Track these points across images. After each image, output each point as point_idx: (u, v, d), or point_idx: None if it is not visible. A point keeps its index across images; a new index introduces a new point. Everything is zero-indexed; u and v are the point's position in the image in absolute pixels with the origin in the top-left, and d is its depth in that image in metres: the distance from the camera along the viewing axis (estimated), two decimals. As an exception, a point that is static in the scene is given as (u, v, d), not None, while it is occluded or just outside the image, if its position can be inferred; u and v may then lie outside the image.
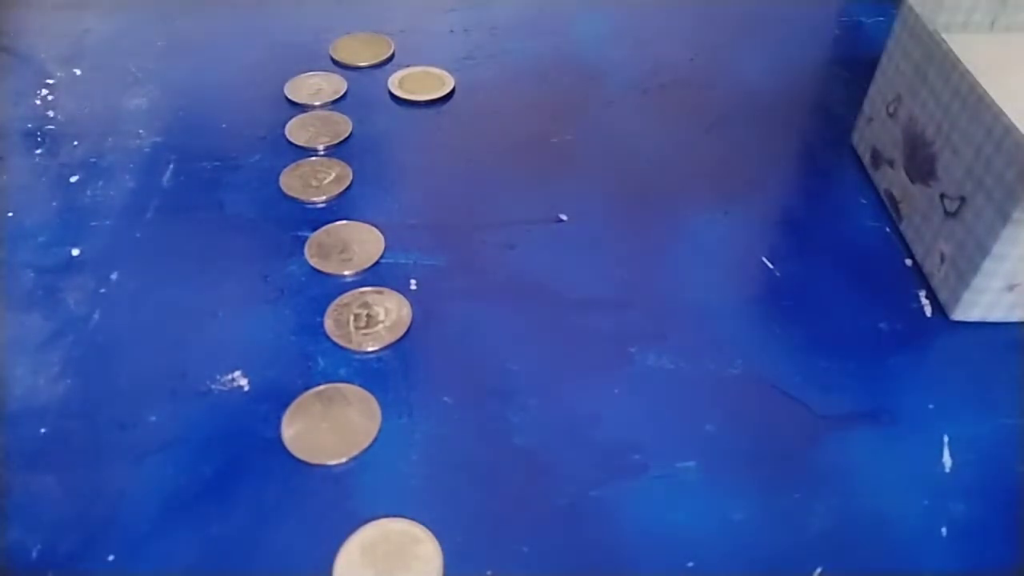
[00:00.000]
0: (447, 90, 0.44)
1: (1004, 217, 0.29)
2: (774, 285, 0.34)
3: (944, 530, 0.26)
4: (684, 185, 0.38)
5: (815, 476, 0.27)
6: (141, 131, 0.41)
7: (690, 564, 0.25)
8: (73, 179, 0.38)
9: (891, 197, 0.37)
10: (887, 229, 0.36)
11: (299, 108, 0.42)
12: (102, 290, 0.33)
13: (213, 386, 0.30)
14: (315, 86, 0.44)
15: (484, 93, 0.44)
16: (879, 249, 0.35)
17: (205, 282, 0.34)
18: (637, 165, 0.40)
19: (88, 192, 0.38)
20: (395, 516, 0.26)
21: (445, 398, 0.30)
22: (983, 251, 0.30)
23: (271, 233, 0.36)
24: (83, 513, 0.26)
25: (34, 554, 0.25)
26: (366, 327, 0.32)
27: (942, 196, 0.33)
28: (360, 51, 0.46)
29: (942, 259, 0.33)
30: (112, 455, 0.28)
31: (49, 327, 0.32)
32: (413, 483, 0.27)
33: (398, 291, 0.33)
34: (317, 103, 0.43)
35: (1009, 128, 0.28)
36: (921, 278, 0.34)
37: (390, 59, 0.46)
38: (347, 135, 0.41)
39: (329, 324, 0.32)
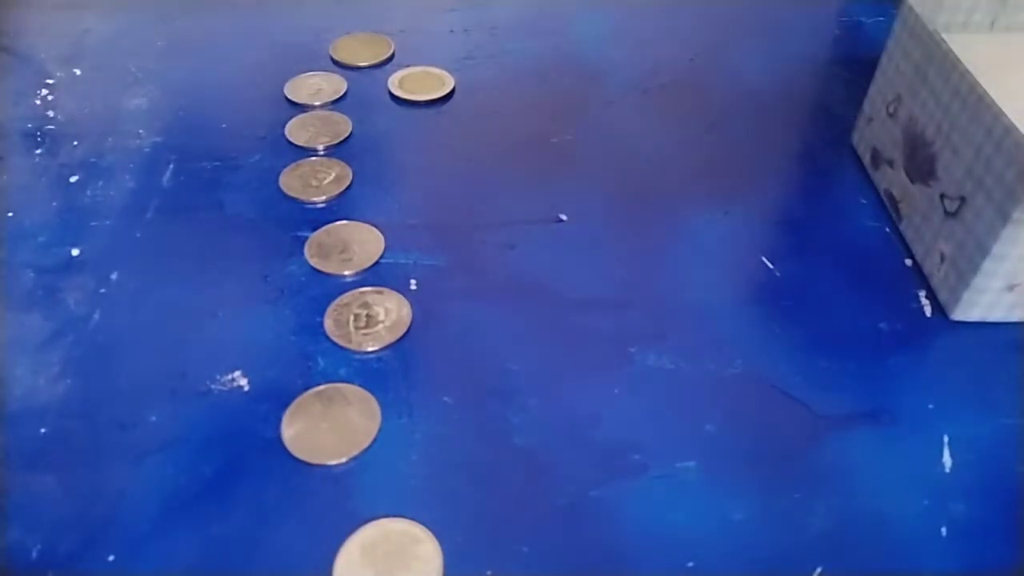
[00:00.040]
0: (447, 90, 0.44)
1: (1004, 217, 0.29)
2: (774, 285, 0.34)
3: (944, 530, 0.26)
4: (684, 185, 0.38)
5: (815, 476, 0.27)
6: (141, 131, 0.41)
7: (690, 564, 0.25)
8: (73, 179, 0.38)
9: (891, 197, 0.37)
10: (887, 229, 0.36)
11: (299, 108, 0.42)
12: (102, 290, 0.33)
13: (213, 386, 0.30)
14: (315, 86, 0.44)
15: (484, 93, 0.44)
16: (879, 249, 0.35)
17: (205, 282, 0.34)
18: (637, 165, 0.40)
19: (88, 192, 0.38)
20: (395, 516, 0.26)
21: (445, 398, 0.30)
22: (983, 251, 0.30)
23: (271, 233, 0.36)
24: (83, 513, 0.26)
25: (34, 554, 0.25)
26: (366, 327, 0.32)
27: (942, 196, 0.33)
28: (360, 51, 0.46)
29: (942, 259, 0.33)
30: (112, 455, 0.28)
31: (49, 327, 0.32)
32: (413, 483, 0.27)
33: (398, 291, 0.33)
34: (317, 103, 0.43)
35: (1009, 128, 0.28)
36: (921, 278, 0.34)
37: (390, 59, 0.46)
38: (347, 135, 0.41)
39: (329, 324, 0.32)
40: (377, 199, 0.38)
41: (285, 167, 0.39)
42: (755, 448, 0.28)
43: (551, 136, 0.41)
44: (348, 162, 0.39)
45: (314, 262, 0.34)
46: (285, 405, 0.29)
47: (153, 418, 0.29)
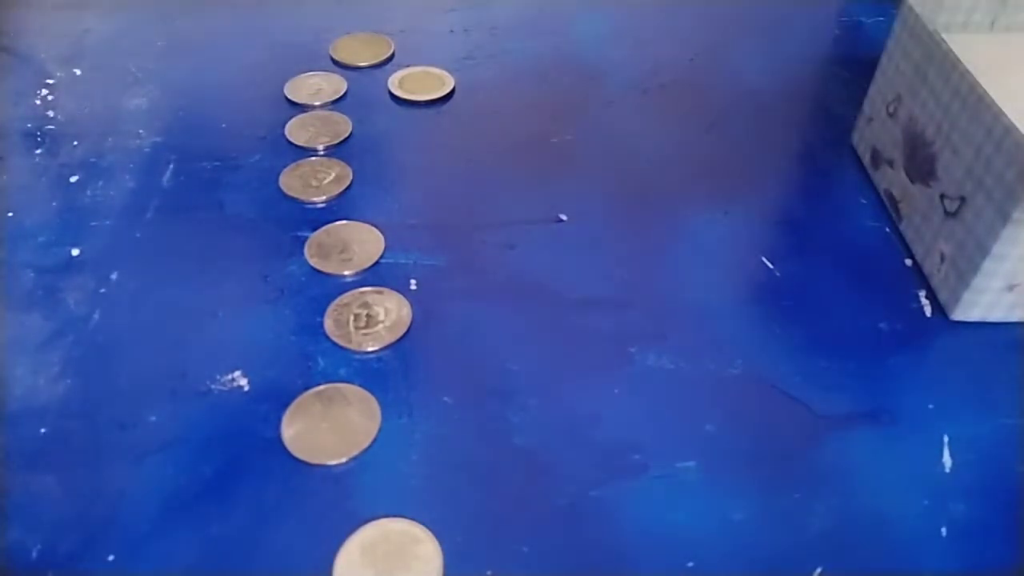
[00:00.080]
0: (447, 90, 0.44)
1: (1004, 217, 0.29)
2: (774, 285, 0.34)
3: (944, 530, 0.26)
4: (684, 185, 0.38)
5: (815, 476, 0.27)
6: (141, 131, 0.41)
7: (690, 564, 0.25)
8: (73, 179, 0.38)
9: (891, 197, 0.37)
10: (887, 229, 0.36)
11: (299, 108, 0.42)
12: (102, 290, 0.33)
13: (213, 386, 0.30)
14: (315, 86, 0.44)
15: (484, 93, 0.44)
16: (879, 249, 0.35)
17: (205, 282, 0.34)
18: (637, 165, 0.40)
19: (88, 192, 0.38)
20: (395, 516, 0.26)
21: (445, 398, 0.30)
22: (983, 251, 0.30)
23: (271, 233, 0.36)
24: (83, 513, 0.26)
25: (34, 554, 0.25)
26: (366, 327, 0.32)
27: (942, 196, 0.33)
28: (360, 51, 0.46)
29: (942, 259, 0.33)
30: (112, 455, 0.28)
31: (49, 327, 0.32)
32: (413, 483, 0.27)
33: (398, 291, 0.33)
34: (317, 103, 0.43)
35: (1009, 128, 0.28)
36: (921, 278, 0.34)
37: (390, 59, 0.46)
38: (347, 135, 0.41)
39: (329, 324, 0.32)
40: (377, 199, 0.38)
41: (285, 167, 0.39)
42: (755, 448, 0.28)
43: (551, 136, 0.41)
44: (348, 162, 0.39)
45: (314, 262, 0.34)
46: (285, 405, 0.29)
47: (153, 418, 0.29)
